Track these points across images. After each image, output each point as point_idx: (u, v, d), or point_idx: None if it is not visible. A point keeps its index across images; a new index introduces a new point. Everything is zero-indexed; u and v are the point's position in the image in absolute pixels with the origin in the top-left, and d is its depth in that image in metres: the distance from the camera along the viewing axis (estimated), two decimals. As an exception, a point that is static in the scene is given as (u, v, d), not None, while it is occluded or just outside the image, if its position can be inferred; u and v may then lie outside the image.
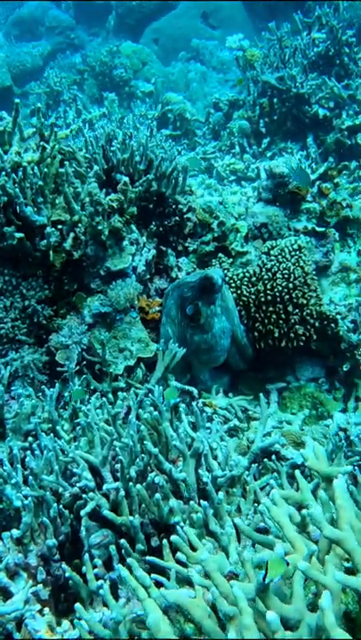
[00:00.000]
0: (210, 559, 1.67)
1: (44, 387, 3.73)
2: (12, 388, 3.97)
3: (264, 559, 2.04)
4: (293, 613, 1.52)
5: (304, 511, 1.87)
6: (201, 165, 7.59)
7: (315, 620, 1.49)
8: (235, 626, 1.51)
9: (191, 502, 2.73)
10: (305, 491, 2.19)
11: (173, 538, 2.15)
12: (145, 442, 2.93)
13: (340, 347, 4.57)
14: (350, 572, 1.73)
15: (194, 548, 2.19)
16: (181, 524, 2.68)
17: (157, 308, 4.50)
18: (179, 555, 2.26)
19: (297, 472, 2.34)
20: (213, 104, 8.89)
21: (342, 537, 1.56)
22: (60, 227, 4.05)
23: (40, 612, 2.70)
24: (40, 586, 2.80)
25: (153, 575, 2.25)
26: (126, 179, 4.14)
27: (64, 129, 8.94)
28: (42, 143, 3.99)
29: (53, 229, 3.96)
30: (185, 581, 2.30)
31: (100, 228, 3.97)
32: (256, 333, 4.50)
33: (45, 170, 3.97)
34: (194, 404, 3.53)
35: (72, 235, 4.02)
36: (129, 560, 1.98)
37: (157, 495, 2.70)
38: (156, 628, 1.68)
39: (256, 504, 2.86)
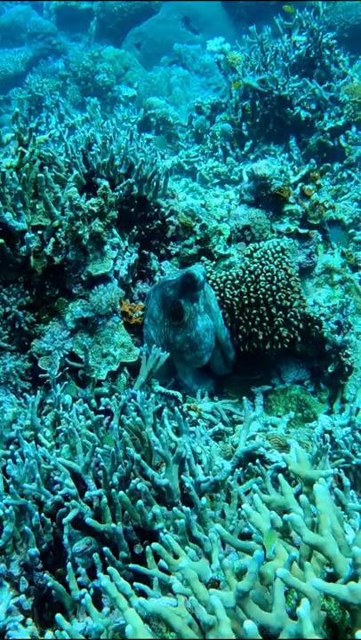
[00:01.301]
0: (188, 567, 1.64)
1: (25, 394, 3.68)
2: (-6, 395, 3.93)
3: (246, 565, 2.01)
4: (274, 621, 1.49)
5: (286, 515, 1.85)
6: (165, 144, 7.58)
7: (295, 628, 1.46)
8: (214, 635, 1.47)
9: (174, 508, 2.70)
10: (288, 495, 2.16)
11: (155, 545, 2.12)
12: (127, 448, 2.90)
13: (324, 348, 4.55)
14: (332, 577, 1.70)
15: (177, 556, 2.15)
16: (165, 530, 2.65)
17: (141, 312, 4.46)
18: (162, 562, 2.23)
19: (280, 476, 2.32)
20: (196, 108, 8.89)
21: (323, 542, 1.53)
22: (40, 232, 4.01)
23: (23, 622, 2.66)
24: (23, 596, 2.77)
25: (135, 584, 2.22)
26: (106, 183, 4.11)
27: (46, 134, 8.94)
28: (20, 148, 3.95)
29: (33, 235, 3.92)
30: (168, 588, 2.27)
31: (80, 232, 3.94)
32: (240, 336, 4.47)
33: (24, 175, 3.93)
34: (177, 408, 3.49)
35: (52, 240, 3.98)
36: (109, 569, 1.94)
37: (140, 502, 2.66)
38: (135, 638, 1.64)
39: (240, 509, 2.83)
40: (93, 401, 3.82)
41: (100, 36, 14.32)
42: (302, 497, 1.81)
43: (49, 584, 2.62)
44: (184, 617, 1.68)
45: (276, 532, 1.94)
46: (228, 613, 1.50)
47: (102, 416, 3.17)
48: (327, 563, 1.69)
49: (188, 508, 2.57)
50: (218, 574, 2.08)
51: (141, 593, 2.26)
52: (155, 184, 4.56)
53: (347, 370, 4.55)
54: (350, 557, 1.48)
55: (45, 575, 2.70)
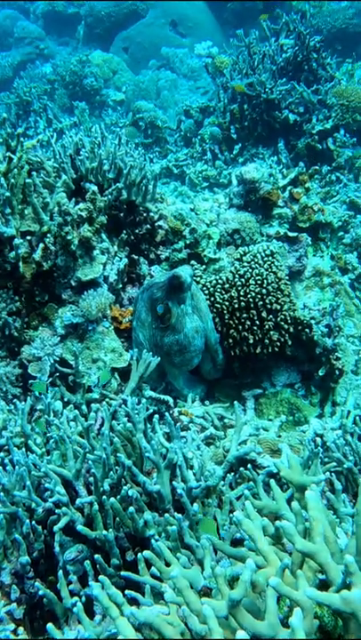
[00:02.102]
0: (180, 576, 1.63)
1: (15, 400, 3.66)
2: (-16, 402, 3.90)
3: (238, 573, 2.01)
4: (267, 629, 1.48)
5: (277, 522, 1.84)
6: (136, 134, 7.58)
7: (288, 637, 1.45)
8: (207, 645, 1.47)
9: (166, 515, 2.69)
10: (280, 500, 2.15)
11: (146, 553, 2.10)
12: (118, 454, 2.88)
13: (315, 351, 4.56)
14: (325, 584, 1.70)
15: (168, 563, 2.14)
16: (157, 537, 2.64)
17: (131, 317, 4.45)
18: (154, 569, 2.22)
19: (272, 481, 2.31)
20: (184, 111, 8.89)
21: (315, 550, 1.52)
22: (29, 238, 3.99)
23: (14, 631, 2.64)
24: (14, 605, 2.74)
25: (127, 592, 2.21)
26: (95, 188, 4.10)
27: (34, 139, 8.92)
28: (8, 154, 3.93)
29: (22, 241, 3.91)
30: (160, 595, 2.26)
31: (69, 237, 3.92)
32: (231, 340, 4.47)
33: (13, 181, 3.92)
34: (168, 414, 3.48)
35: (41, 245, 3.97)
36: (101, 578, 1.93)
37: (131, 508, 2.65)
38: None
39: (232, 514, 2.83)
40: (84, 407, 3.81)
41: (87, 41, 14.32)
42: (294, 503, 1.80)
43: (40, 592, 2.60)
44: (176, 626, 1.67)
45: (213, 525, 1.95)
46: (220, 622, 1.49)
47: (93, 422, 3.15)
48: (320, 569, 1.68)
49: (179, 515, 2.56)
50: (210, 581, 2.07)
51: (133, 601, 2.25)
52: (143, 188, 4.55)
53: (337, 373, 4.56)
54: (343, 564, 1.48)
55: (37, 584, 2.67)
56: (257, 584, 1.62)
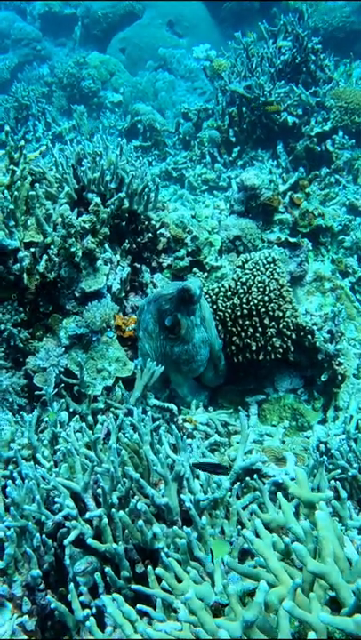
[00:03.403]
0: (194, 597, 1.67)
1: (22, 412, 3.70)
2: (-10, 413, 3.94)
3: (249, 588, 2.05)
4: (280, 650, 1.52)
5: (292, 545, 1.88)
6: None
7: (301, 657, 1.49)
8: (222, 666, 1.51)
9: (175, 527, 2.72)
10: (288, 514, 2.19)
11: (158, 571, 2.14)
12: (126, 467, 2.92)
13: (317, 357, 4.59)
14: (335, 601, 1.74)
15: (179, 579, 2.18)
16: (166, 549, 2.67)
17: (134, 326, 4.48)
18: (164, 583, 2.25)
19: (280, 495, 2.35)
20: (183, 114, 8.91)
21: (326, 571, 1.56)
22: (33, 249, 4.02)
23: (26, 644, 2.69)
24: (26, 617, 2.78)
25: (139, 606, 2.25)
26: (98, 199, 4.13)
27: (33, 142, 8.94)
28: (11, 167, 3.96)
29: (27, 253, 3.94)
30: (172, 608, 2.30)
31: (73, 249, 3.96)
32: (233, 347, 4.51)
33: (16, 193, 3.95)
34: (174, 426, 3.52)
35: (45, 257, 4.00)
36: (115, 596, 1.97)
37: (140, 522, 2.68)
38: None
39: (240, 526, 2.87)
40: (90, 417, 3.84)
41: (84, 42, 14.32)
42: (304, 522, 1.84)
43: (52, 606, 2.64)
44: (190, 645, 1.71)
45: (227, 546, 1.99)
46: (234, 643, 1.53)
47: (100, 435, 3.19)
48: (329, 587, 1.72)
49: (188, 529, 2.59)
50: (221, 597, 2.11)
51: (145, 614, 2.29)
52: (145, 197, 4.58)
53: (340, 378, 4.59)
54: (354, 585, 1.51)
55: (48, 597, 2.72)
56: (269, 604, 1.66)
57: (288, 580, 1.73)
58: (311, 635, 1.37)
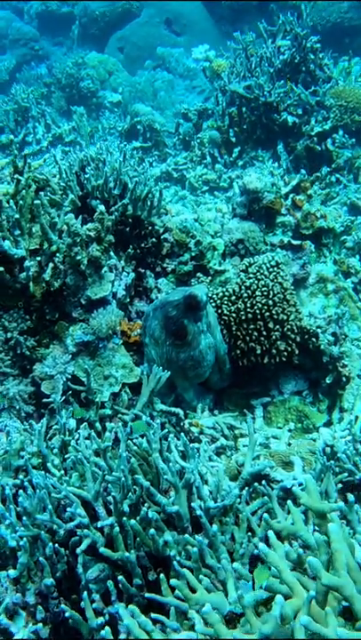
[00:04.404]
0: (211, 610, 1.70)
1: (31, 420, 3.73)
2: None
3: (262, 597, 2.08)
4: (297, 662, 1.56)
5: (300, 551, 1.91)
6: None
7: (318, 669, 1.53)
8: None
9: (186, 535, 2.75)
10: (298, 522, 2.23)
11: (173, 582, 2.18)
12: (136, 475, 2.96)
13: (321, 360, 4.63)
14: (348, 611, 1.77)
15: (193, 589, 2.22)
16: (177, 557, 2.70)
17: (139, 331, 4.52)
18: (177, 592, 2.29)
19: (289, 503, 2.39)
20: (182, 114, 8.92)
21: (341, 584, 1.60)
22: (38, 258, 4.05)
23: (41, 651, 2.72)
24: (40, 624, 2.82)
25: (153, 615, 2.28)
26: (102, 207, 4.16)
27: (34, 144, 8.96)
28: (16, 176, 3.98)
29: (33, 262, 3.97)
30: (184, 615, 2.33)
31: (78, 258, 3.99)
32: (238, 351, 4.54)
33: (21, 202, 3.97)
34: (183, 435, 3.55)
35: (51, 265, 4.03)
36: (131, 607, 2.01)
37: (152, 531, 2.72)
38: None
39: (250, 532, 2.90)
40: (98, 424, 3.88)
41: (82, 41, 14.31)
42: (317, 535, 1.87)
43: (66, 614, 2.67)
44: (207, 657, 1.75)
45: (267, 571, 2.02)
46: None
47: (110, 444, 3.22)
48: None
49: (199, 537, 2.63)
50: (235, 607, 2.14)
51: (159, 622, 2.32)
52: (149, 203, 4.61)
53: (344, 380, 4.63)
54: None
55: (62, 606, 2.75)
56: (284, 616, 1.70)
57: (302, 592, 1.76)
58: (328, 651, 1.41)
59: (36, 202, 3.99)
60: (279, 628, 1.71)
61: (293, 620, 1.71)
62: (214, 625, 1.68)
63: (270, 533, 2.00)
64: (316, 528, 2.14)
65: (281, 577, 1.82)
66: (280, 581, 1.89)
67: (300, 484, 3.25)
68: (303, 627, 1.51)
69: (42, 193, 4.15)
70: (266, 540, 2.19)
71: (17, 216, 3.88)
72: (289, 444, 4.27)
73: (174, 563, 2.64)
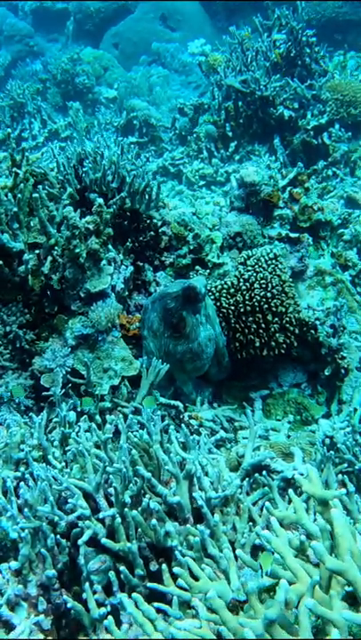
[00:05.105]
0: (216, 597, 1.71)
1: (32, 414, 3.73)
2: (-1, 413, 3.97)
3: (264, 585, 2.09)
4: (302, 646, 1.57)
5: (303, 538, 1.92)
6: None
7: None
8: (246, 664, 1.55)
9: (188, 526, 2.76)
10: (300, 511, 2.23)
11: (176, 570, 2.18)
12: (137, 467, 2.96)
13: (320, 352, 4.63)
14: (352, 597, 1.78)
15: (195, 577, 2.22)
16: (179, 547, 2.71)
17: (138, 324, 4.52)
18: (181, 580, 2.29)
19: (291, 492, 2.40)
20: (178, 109, 8.91)
21: (344, 568, 1.60)
22: (37, 251, 4.05)
23: (44, 641, 2.73)
24: (42, 616, 2.82)
25: (156, 604, 2.28)
26: (101, 200, 4.15)
27: (30, 140, 8.94)
28: (14, 169, 3.98)
29: (32, 255, 3.96)
30: (186, 604, 2.34)
31: (77, 251, 3.98)
32: (237, 344, 4.54)
33: (19, 195, 3.97)
34: (184, 426, 3.56)
35: (50, 258, 4.02)
36: (134, 596, 2.01)
37: (154, 521, 2.72)
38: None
39: (251, 522, 2.91)
40: (98, 417, 3.88)
41: (77, 37, 14.29)
42: (320, 521, 1.88)
43: (68, 605, 2.67)
44: (212, 642, 1.76)
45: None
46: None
47: (110, 436, 3.22)
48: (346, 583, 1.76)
49: (201, 526, 2.63)
50: (238, 594, 2.15)
51: (161, 611, 2.32)
52: (147, 197, 4.61)
53: (343, 372, 4.64)
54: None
55: (65, 597, 2.75)
56: (288, 601, 1.71)
57: (306, 578, 1.77)
58: (334, 631, 1.42)
59: (35, 195, 3.99)
60: (284, 613, 1.72)
61: (297, 605, 1.72)
62: (219, 611, 1.69)
63: (273, 520, 2.01)
64: (319, 516, 2.15)
65: (285, 563, 1.83)
66: (284, 567, 1.90)
67: (301, 475, 3.26)
68: (308, 610, 1.52)
69: (40, 186, 4.14)
70: (268, 529, 2.20)
71: (15, 209, 3.87)
72: (288, 437, 4.28)
73: (176, 552, 2.65)
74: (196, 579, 2.21)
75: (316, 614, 1.54)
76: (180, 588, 2.31)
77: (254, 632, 1.56)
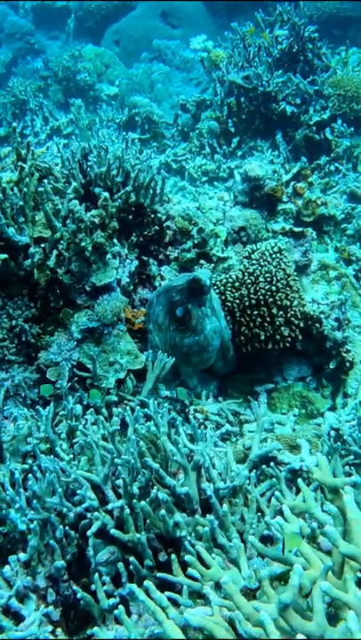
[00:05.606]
0: (230, 582, 1.72)
1: (38, 407, 3.73)
2: (5, 407, 3.97)
3: (275, 572, 2.09)
4: (316, 629, 1.57)
5: (314, 524, 1.92)
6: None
7: (337, 635, 1.54)
8: (261, 647, 1.56)
9: (197, 516, 2.77)
10: (309, 500, 2.24)
11: (187, 558, 2.19)
12: (145, 458, 2.97)
13: (325, 345, 4.64)
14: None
15: (205, 565, 2.23)
16: (188, 537, 2.72)
17: (143, 318, 4.52)
18: (190, 570, 2.30)
19: (300, 481, 2.40)
20: (181, 105, 8.91)
21: (359, 553, 1.61)
22: (43, 245, 4.05)
23: (53, 632, 2.73)
24: (51, 607, 2.83)
25: (166, 593, 2.29)
26: (106, 194, 4.15)
27: (32, 137, 8.93)
28: (20, 163, 3.98)
29: (37, 249, 3.97)
30: (195, 594, 2.35)
31: (83, 244, 3.98)
32: (242, 337, 4.55)
33: (25, 189, 3.97)
34: (191, 417, 3.57)
35: (55, 252, 4.03)
36: (146, 583, 2.02)
37: (163, 511, 2.73)
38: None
39: (259, 513, 2.91)
40: (104, 410, 3.89)
41: (78, 35, 14.28)
42: (331, 506, 1.89)
43: (78, 596, 2.68)
44: (225, 628, 1.76)
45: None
46: (271, 625, 1.57)
47: (118, 427, 3.23)
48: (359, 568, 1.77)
49: (211, 517, 2.64)
50: (249, 582, 2.16)
51: (172, 601, 2.33)
52: (152, 191, 4.61)
53: (348, 365, 4.65)
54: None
55: (74, 587, 2.76)
56: (301, 586, 1.71)
57: (319, 563, 1.78)
58: (350, 614, 1.42)
59: (40, 189, 3.99)
60: (297, 599, 1.73)
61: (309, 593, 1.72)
62: (233, 596, 1.69)
63: (285, 507, 2.01)
64: (329, 504, 2.15)
65: (298, 549, 1.84)
66: (296, 555, 1.91)
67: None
68: (324, 592, 1.53)
69: (45, 181, 4.15)
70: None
71: (21, 203, 3.87)
72: (294, 430, 4.29)
73: (185, 542, 2.66)
74: (207, 567, 2.21)
75: (331, 597, 1.54)
76: (190, 577, 2.31)
77: (270, 615, 1.57)
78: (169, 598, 2.27)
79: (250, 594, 2.14)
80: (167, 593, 2.28)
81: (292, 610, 1.62)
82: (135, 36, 13.27)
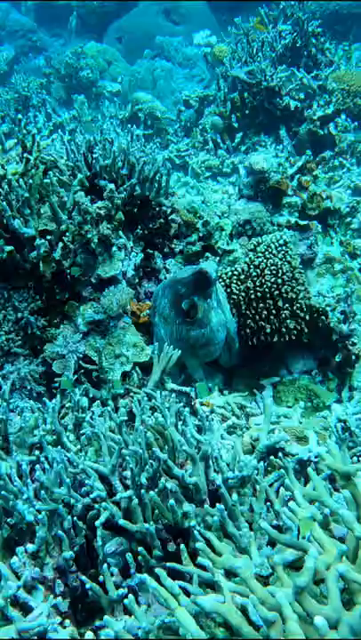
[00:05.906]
0: (245, 566, 1.70)
1: (45, 399, 3.72)
2: (11, 400, 3.96)
3: (288, 559, 2.08)
4: (332, 613, 1.56)
5: (327, 510, 1.91)
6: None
7: (354, 619, 1.53)
8: (277, 631, 1.54)
9: (206, 506, 2.76)
10: (320, 487, 2.23)
11: (198, 545, 2.18)
12: (153, 449, 2.95)
13: (331, 338, 4.63)
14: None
15: (216, 553, 2.22)
16: (198, 527, 2.70)
17: (148, 312, 4.51)
18: (200, 559, 2.28)
19: (310, 470, 2.39)
20: (184, 101, 8.90)
21: (374, 536, 1.60)
22: (48, 237, 4.04)
23: (61, 624, 2.72)
24: (59, 598, 2.82)
25: (177, 582, 2.28)
26: (112, 186, 4.14)
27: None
28: (25, 155, 3.97)
29: (43, 241, 3.95)
30: (205, 584, 2.33)
31: (89, 236, 3.98)
32: (248, 330, 4.53)
33: (30, 181, 3.96)
34: (199, 407, 3.55)
35: (61, 244, 4.02)
36: (158, 571, 2.01)
37: (171, 501, 2.72)
38: (192, 637, 1.72)
39: (268, 503, 2.90)
40: (111, 402, 3.87)
41: (80, 32, 14.27)
42: (346, 491, 1.87)
43: (87, 586, 2.67)
44: (238, 614, 1.75)
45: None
46: (287, 609, 1.56)
47: (125, 418, 3.22)
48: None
49: (220, 506, 2.62)
50: (261, 569, 2.14)
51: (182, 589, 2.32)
52: (157, 184, 4.60)
53: (354, 358, 4.64)
54: None
55: (83, 577, 2.75)
56: (318, 570, 1.70)
57: (333, 549, 1.76)
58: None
59: (46, 181, 3.98)
60: (312, 584, 1.72)
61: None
62: (247, 580, 1.68)
63: (297, 492, 2.00)
64: (342, 491, 2.14)
65: (311, 535, 1.82)
66: (309, 540, 1.90)
67: (317, 457, 3.26)
68: (340, 575, 1.51)
69: (50, 173, 4.13)
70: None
71: (27, 195, 3.86)
72: (300, 423, 4.27)
73: (195, 532, 2.64)
74: (219, 554, 2.20)
75: (347, 579, 1.53)
76: (199, 566, 2.30)
77: (286, 599, 1.55)
78: (180, 587, 2.26)
79: (261, 581, 2.12)
80: (178, 582, 2.27)
81: (307, 594, 1.61)
82: (137, 33, 13.26)
